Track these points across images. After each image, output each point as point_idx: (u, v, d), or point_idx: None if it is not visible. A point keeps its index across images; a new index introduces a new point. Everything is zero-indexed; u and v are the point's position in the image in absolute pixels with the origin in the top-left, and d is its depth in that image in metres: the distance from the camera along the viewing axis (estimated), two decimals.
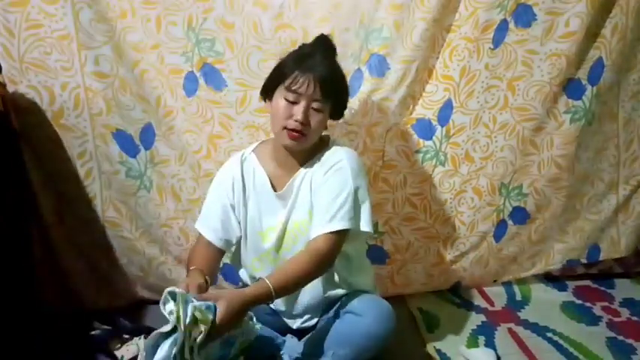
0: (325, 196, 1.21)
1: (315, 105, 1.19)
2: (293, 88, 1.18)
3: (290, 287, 1.16)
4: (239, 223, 1.33)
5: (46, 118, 1.52)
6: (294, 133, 1.19)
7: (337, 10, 1.49)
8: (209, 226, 1.32)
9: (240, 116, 1.57)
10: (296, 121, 1.18)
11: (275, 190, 1.30)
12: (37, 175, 1.56)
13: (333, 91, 1.21)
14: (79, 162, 1.59)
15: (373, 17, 1.50)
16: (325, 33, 1.28)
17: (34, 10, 1.43)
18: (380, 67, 1.54)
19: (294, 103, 1.19)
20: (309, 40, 1.31)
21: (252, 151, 1.36)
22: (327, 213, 1.19)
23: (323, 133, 1.30)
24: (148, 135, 1.61)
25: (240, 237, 1.35)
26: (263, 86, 1.28)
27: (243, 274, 1.42)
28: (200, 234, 1.33)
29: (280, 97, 1.21)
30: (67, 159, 1.57)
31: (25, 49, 1.45)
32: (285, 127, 1.20)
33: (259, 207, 1.31)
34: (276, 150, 1.30)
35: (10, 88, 1.48)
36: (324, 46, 1.25)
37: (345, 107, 1.31)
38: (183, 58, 1.52)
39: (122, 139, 1.60)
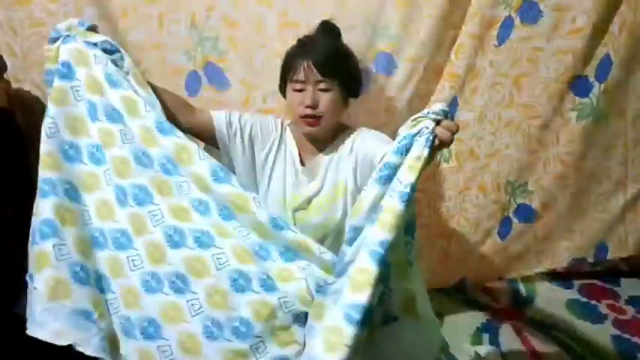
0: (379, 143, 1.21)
1: (321, 86, 1.21)
2: (295, 78, 1.21)
3: None
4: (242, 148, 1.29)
5: None
6: (309, 119, 1.22)
7: (343, 8, 1.48)
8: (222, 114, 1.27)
9: None
10: (307, 107, 1.20)
11: (303, 165, 1.32)
12: None
13: (335, 69, 1.21)
14: None
15: (380, 14, 1.48)
16: None
17: (38, 9, 1.42)
18: (388, 65, 1.52)
19: (301, 90, 1.22)
20: None
21: (288, 124, 1.37)
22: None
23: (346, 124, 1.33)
24: None
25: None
26: (279, 85, 1.32)
27: None
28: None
29: (290, 90, 1.25)
30: None
31: (29, 47, 1.45)
32: (300, 116, 1.23)
33: (284, 178, 1.31)
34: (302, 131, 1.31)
35: (14, 86, 1.47)
36: (324, 30, 1.27)
37: (358, 83, 1.31)
38: (186, 57, 1.50)
39: None
